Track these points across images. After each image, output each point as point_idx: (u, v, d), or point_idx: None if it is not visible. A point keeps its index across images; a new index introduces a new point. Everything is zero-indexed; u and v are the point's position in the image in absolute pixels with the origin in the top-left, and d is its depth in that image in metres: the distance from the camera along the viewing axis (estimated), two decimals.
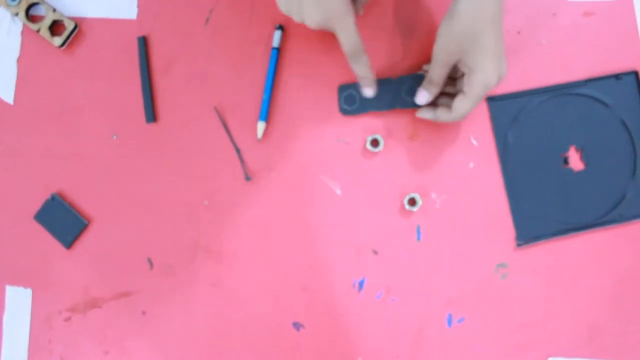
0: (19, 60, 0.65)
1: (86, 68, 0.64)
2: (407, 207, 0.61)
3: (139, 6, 0.64)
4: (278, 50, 0.63)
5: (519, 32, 0.64)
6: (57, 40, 0.63)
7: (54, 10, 0.63)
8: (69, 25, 0.63)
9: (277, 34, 0.63)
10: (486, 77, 0.54)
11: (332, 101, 0.63)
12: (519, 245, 0.61)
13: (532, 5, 0.64)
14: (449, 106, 0.58)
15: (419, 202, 0.61)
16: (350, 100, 0.62)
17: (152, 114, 0.63)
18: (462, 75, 0.57)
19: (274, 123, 0.63)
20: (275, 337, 0.62)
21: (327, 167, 0.63)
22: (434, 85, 0.58)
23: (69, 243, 0.63)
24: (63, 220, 0.63)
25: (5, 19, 0.65)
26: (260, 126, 0.62)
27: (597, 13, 0.64)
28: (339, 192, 0.63)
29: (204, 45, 0.64)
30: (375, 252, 0.62)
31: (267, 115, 0.62)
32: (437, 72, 0.57)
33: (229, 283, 0.62)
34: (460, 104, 0.56)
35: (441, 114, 0.59)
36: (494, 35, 0.53)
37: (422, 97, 0.59)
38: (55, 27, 0.64)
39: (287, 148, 0.63)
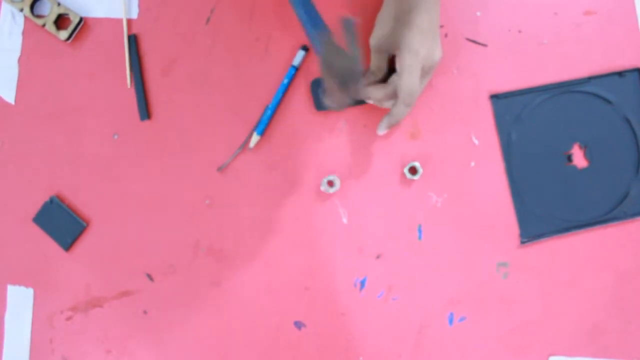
0: (20, 60, 0.65)
1: (88, 66, 0.65)
2: (409, 176, 0.61)
3: (140, 6, 0.65)
4: (296, 70, 0.63)
5: (520, 31, 0.64)
6: (63, 34, 0.63)
7: (59, 4, 0.64)
8: (75, 19, 0.64)
9: (300, 54, 0.63)
10: (411, 45, 0.54)
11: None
12: (523, 242, 0.61)
13: (532, 4, 0.64)
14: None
15: (419, 175, 0.61)
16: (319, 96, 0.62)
17: (145, 112, 0.63)
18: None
19: (277, 122, 0.63)
20: (276, 337, 0.62)
21: (328, 166, 0.63)
22: (372, 73, 0.60)
23: (67, 245, 0.63)
24: (61, 223, 0.63)
25: (7, 20, 0.65)
26: (255, 138, 0.62)
27: (598, 12, 0.64)
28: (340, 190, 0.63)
29: (204, 45, 0.64)
30: (377, 251, 0.62)
31: (264, 129, 0.63)
32: (373, 59, 0.59)
33: (230, 282, 0.62)
34: (397, 78, 0.56)
35: (374, 90, 0.59)
36: (426, 15, 0.54)
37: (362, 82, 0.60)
38: (60, 21, 0.65)
39: (289, 147, 0.63)
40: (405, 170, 0.61)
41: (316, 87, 0.62)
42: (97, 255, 0.63)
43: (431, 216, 0.62)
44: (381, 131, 0.60)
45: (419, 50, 0.54)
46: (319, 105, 0.62)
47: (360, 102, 0.62)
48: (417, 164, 0.61)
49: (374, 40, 0.58)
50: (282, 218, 0.63)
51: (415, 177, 0.61)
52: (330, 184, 0.62)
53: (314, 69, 0.63)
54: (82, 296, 0.63)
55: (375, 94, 0.59)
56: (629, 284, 0.61)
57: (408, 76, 0.55)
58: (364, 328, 0.61)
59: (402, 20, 0.55)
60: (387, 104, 0.59)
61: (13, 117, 0.65)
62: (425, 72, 0.57)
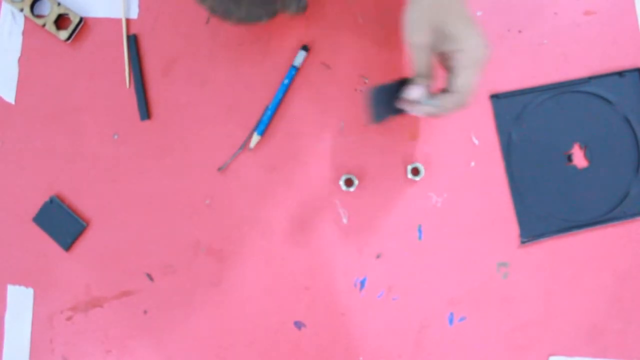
0: (20, 60, 0.65)
1: (88, 66, 0.65)
2: (411, 177, 0.61)
3: (140, 6, 0.65)
4: (296, 70, 0.63)
5: (520, 31, 0.64)
6: (63, 34, 0.63)
7: (59, 4, 0.64)
8: (75, 19, 0.64)
9: (301, 54, 0.63)
10: (475, 41, 0.48)
11: (335, 100, 0.63)
12: (523, 242, 0.61)
13: (532, 4, 0.64)
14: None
15: (421, 176, 0.61)
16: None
17: (145, 112, 0.63)
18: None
19: (277, 122, 0.63)
20: (276, 337, 0.62)
21: (328, 165, 0.63)
22: (422, 75, 0.51)
23: (67, 245, 0.63)
24: (61, 223, 0.63)
25: (7, 20, 0.65)
26: (255, 138, 0.62)
27: (597, 12, 0.64)
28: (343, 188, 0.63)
29: (204, 45, 0.64)
30: (377, 251, 0.62)
31: (264, 129, 0.63)
32: (416, 59, 0.51)
33: (230, 282, 0.62)
34: (460, 79, 0.49)
35: (443, 100, 0.51)
36: (465, 5, 0.49)
37: (413, 90, 0.51)
38: (60, 21, 0.65)
39: (289, 147, 0.63)
40: (408, 171, 0.61)
41: (377, 95, 0.54)
42: (97, 255, 0.63)
43: (431, 216, 0.62)
44: (418, 112, 0.52)
45: (481, 45, 0.48)
46: (377, 116, 0.54)
47: (395, 114, 0.55)
48: (419, 165, 0.61)
49: (415, 37, 0.49)
50: (282, 218, 0.63)
51: (418, 178, 0.61)
52: (349, 183, 0.62)
53: (316, 69, 0.63)
54: (82, 296, 0.63)
55: (447, 103, 0.50)
56: (629, 284, 0.61)
57: (471, 73, 0.48)
58: (364, 328, 0.61)
59: (448, 12, 0.48)
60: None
61: (13, 117, 0.65)
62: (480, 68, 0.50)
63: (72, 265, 0.63)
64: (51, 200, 0.63)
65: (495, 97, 0.63)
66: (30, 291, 0.63)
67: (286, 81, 0.62)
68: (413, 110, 0.53)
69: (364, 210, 0.62)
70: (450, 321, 0.61)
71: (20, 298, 0.63)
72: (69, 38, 0.64)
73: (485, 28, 0.63)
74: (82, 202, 0.64)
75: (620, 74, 0.63)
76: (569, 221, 0.62)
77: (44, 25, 0.64)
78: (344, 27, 0.64)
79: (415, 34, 0.50)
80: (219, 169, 0.63)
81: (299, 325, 0.62)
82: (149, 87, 0.64)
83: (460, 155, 0.62)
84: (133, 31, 0.64)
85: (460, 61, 0.49)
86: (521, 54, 0.63)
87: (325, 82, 0.63)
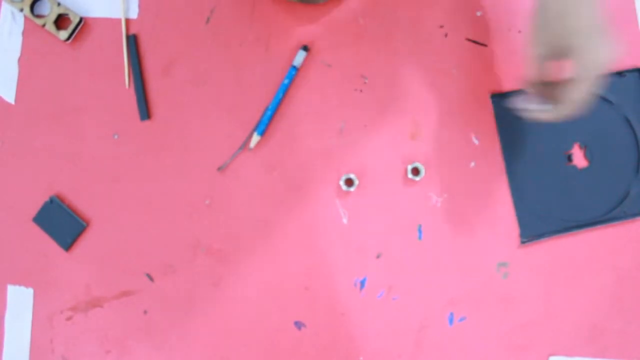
0: (20, 60, 0.65)
1: (88, 66, 0.65)
2: (410, 176, 0.61)
3: (139, 6, 0.65)
4: (296, 70, 0.63)
5: (520, 31, 0.64)
6: (63, 34, 0.64)
7: (59, 4, 0.64)
8: (75, 19, 0.64)
9: (301, 54, 0.63)
10: (598, 53, 0.47)
11: (335, 100, 0.63)
12: (523, 242, 0.61)
13: (533, 4, 0.64)
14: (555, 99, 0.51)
15: (421, 176, 0.61)
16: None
17: (145, 112, 0.63)
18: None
19: (277, 122, 0.63)
20: (276, 337, 0.62)
21: (328, 165, 0.63)
22: (533, 84, 0.52)
23: (67, 245, 0.63)
24: (62, 223, 0.63)
25: (7, 20, 0.65)
26: (255, 138, 0.62)
27: None
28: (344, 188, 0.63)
29: (204, 45, 0.64)
30: (377, 251, 0.62)
31: (264, 129, 0.63)
32: (533, 68, 0.51)
33: (230, 282, 0.62)
34: (575, 92, 0.48)
35: (554, 110, 0.51)
36: (591, 10, 0.47)
37: (517, 101, 0.54)
38: (60, 22, 0.65)
39: (289, 147, 0.63)
40: (408, 171, 0.61)
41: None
42: (97, 255, 0.63)
43: (431, 216, 0.62)
44: (529, 117, 0.53)
45: (603, 57, 0.47)
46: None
47: None
48: (419, 165, 0.61)
49: (536, 49, 0.50)
50: (281, 218, 0.63)
51: (418, 178, 0.61)
52: (349, 183, 0.62)
53: (316, 69, 0.63)
54: (82, 296, 0.63)
55: (551, 113, 0.50)
56: (629, 284, 0.61)
57: (587, 85, 0.48)
58: (364, 328, 0.61)
59: (573, 21, 0.47)
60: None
61: (13, 117, 0.65)
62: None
63: (72, 265, 0.63)
64: (51, 200, 0.63)
65: (496, 97, 0.63)
66: (30, 291, 0.63)
67: (286, 81, 0.62)
68: (524, 115, 0.54)
69: (364, 210, 0.62)
70: (450, 321, 0.61)
71: (20, 298, 0.63)
72: (69, 38, 0.64)
73: (485, 28, 0.63)
74: (82, 202, 0.64)
75: (620, 74, 0.63)
76: (569, 221, 0.62)
77: (44, 25, 0.64)
78: (344, 27, 0.64)
79: (537, 47, 0.50)
80: (219, 169, 0.63)
81: (299, 325, 0.62)
82: (149, 87, 0.64)
83: (460, 155, 0.62)
84: (133, 31, 0.65)
85: (580, 74, 0.48)
86: (521, 54, 0.63)
87: (325, 82, 0.63)
